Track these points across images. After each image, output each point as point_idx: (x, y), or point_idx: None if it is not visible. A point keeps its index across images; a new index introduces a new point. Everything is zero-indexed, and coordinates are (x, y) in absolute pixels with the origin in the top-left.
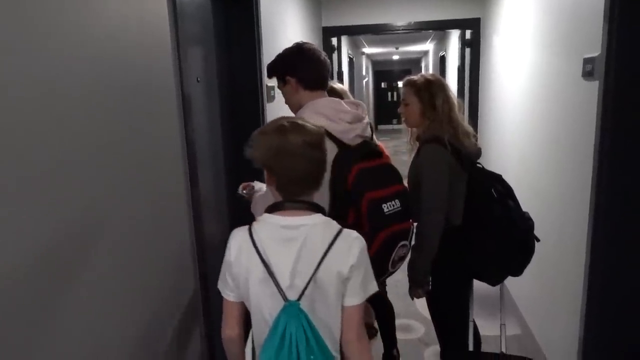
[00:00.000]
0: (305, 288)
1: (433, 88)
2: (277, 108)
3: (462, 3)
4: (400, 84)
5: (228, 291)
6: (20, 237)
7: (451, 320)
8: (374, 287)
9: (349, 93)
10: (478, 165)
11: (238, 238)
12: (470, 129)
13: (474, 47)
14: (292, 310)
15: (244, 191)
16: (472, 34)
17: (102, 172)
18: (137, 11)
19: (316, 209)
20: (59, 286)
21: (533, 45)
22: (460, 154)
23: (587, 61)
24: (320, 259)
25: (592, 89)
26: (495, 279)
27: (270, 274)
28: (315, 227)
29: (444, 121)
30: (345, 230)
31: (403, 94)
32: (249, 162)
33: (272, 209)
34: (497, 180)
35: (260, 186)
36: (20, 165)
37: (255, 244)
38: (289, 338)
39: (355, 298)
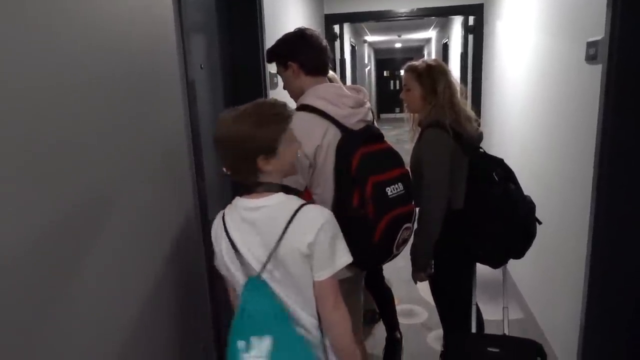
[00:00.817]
0: (265, 264)
1: (434, 73)
2: (281, 95)
3: None
4: (402, 71)
5: (223, 270)
6: (22, 223)
7: (454, 304)
8: (345, 260)
9: (339, 79)
10: (479, 149)
11: (215, 221)
12: (472, 113)
13: (476, 34)
14: (251, 284)
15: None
16: (475, 20)
17: (108, 159)
18: (142, 1)
19: (276, 188)
20: (61, 274)
21: (536, 29)
22: (461, 138)
23: (590, 45)
24: (280, 237)
25: (596, 73)
26: (496, 262)
27: (236, 252)
28: (276, 206)
29: (446, 106)
30: (306, 207)
31: (405, 79)
32: None
33: (241, 191)
34: (498, 164)
35: None
36: (23, 154)
37: (225, 226)
38: (248, 311)
39: (323, 272)
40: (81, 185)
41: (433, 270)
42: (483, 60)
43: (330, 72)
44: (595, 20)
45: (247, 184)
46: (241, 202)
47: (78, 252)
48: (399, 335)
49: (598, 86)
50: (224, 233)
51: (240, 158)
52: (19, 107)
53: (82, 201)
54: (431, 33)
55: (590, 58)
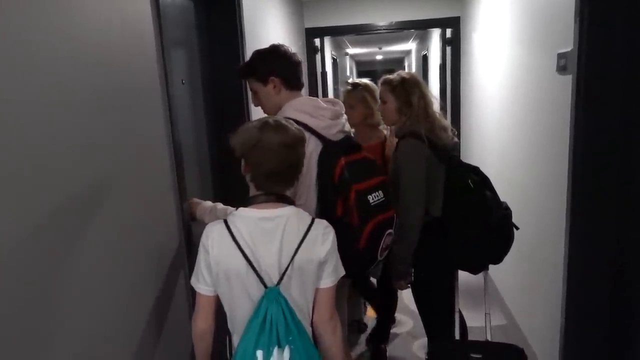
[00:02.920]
0: (284, 274)
1: (408, 85)
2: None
3: (442, 2)
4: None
5: (204, 286)
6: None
7: (436, 311)
8: (342, 271)
9: None
10: (455, 158)
11: (215, 233)
12: (447, 123)
13: (454, 45)
14: (272, 295)
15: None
16: (452, 32)
17: (88, 175)
18: (120, 15)
19: (286, 200)
20: (48, 277)
21: (510, 41)
22: (437, 147)
23: (560, 56)
24: (297, 246)
25: (566, 83)
26: (475, 267)
27: (249, 263)
28: (290, 217)
29: (421, 117)
30: (317, 220)
31: (380, 92)
32: (234, 162)
33: (245, 203)
34: (473, 171)
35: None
36: (2, 165)
37: (234, 238)
38: (269, 321)
39: (329, 280)
40: (59, 198)
41: (413, 278)
42: (461, 71)
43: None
44: (565, 32)
45: (252, 196)
46: (252, 213)
47: (58, 262)
48: (384, 347)
49: (569, 95)
50: (234, 244)
51: (297, 164)
52: None
53: (57, 217)
54: (411, 45)
55: (561, 69)
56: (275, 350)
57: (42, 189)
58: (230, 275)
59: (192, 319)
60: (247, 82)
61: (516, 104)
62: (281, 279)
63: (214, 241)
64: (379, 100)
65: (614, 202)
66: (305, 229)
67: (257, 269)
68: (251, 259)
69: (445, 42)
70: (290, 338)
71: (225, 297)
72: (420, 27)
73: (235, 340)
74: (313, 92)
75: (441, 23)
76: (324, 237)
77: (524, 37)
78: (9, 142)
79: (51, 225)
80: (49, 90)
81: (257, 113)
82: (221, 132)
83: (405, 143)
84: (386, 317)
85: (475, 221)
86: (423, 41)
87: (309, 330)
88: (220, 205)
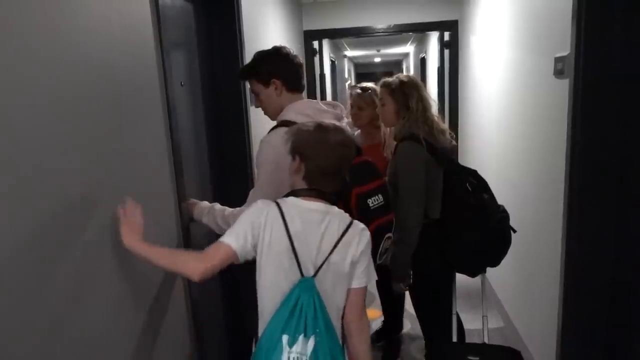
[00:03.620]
0: (320, 267)
1: (406, 88)
2: (261, 112)
3: (441, 5)
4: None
5: (234, 240)
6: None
7: (434, 313)
8: (375, 276)
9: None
10: (453, 160)
11: (269, 210)
12: (445, 126)
13: (452, 48)
14: (306, 284)
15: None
16: (450, 35)
17: (87, 178)
18: (120, 18)
19: (331, 200)
20: (40, 278)
21: (508, 45)
22: (435, 150)
23: (558, 60)
24: (335, 243)
25: (564, 87)
26: (473, 270)
27: (293, 249)
28: (333, 215)
29: (419, 120)
30: (355, 222)
31: (379, 94)
32: (233, 165)
33: (292, 193)
34: (471, 174)
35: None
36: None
37: (285, 220)
38: (299, 309)
39: (361, 280)
40: (57, 199)
41: (412, 280)
42: (459, 74)
43: None
44: (562, 36)
45: (302, 189)
46: (302, 203)
47: (55, 263)
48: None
49: (566, 99)
50: (283, 225)
51: (349, 163)
52: None
53: (58, 219)
54: (409, 48)
55: (558, 72)
56: (301, 337)
57: (40, 190)
58: (272, 253)
59: (190, 264)
60: (249, 84)
61: (514, 107)
62: (317, 272)
63: (268, 215)
64: (378, 103)
65: (611, 205)
66: (344, 228)
67: (299, 255)
68: (295, 244)
69: (443, 45)
70: (317, 330)
71: (264, 274)
72: (419, 30)
73: (261, 325)
74: (312, 94)
75: (439, 26)
76: (360, 238)
77: (522, 41)
78: (6, 144)
79: (49, 225)
80: (47, 92)
81: (256, 115)
82: (220, 133)
83: (404, 146)
84: (393, 320)
85: (473, 224)
86: (421, 44)
87: (337, 328)
88: (217, 206)
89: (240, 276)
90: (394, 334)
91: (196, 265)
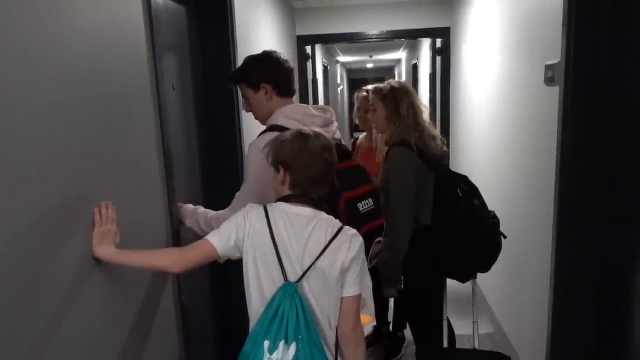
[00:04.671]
0: (305, 273)
1: (397, 94)
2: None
3: (433, 12)
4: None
5: (217, 239)
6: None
7: (425, 318)
8: (369, 282)
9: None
10: (444, 166)
11: (256, 212)
12: (436, 132)
13: (444, 55)
14: (288, 289)
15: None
16: (442, 42)
17: (77, 181)
18: (112, 19)
19: (320, 206)
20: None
21: (499, 52)
22: (426, 156)
23: (548, 68)
24: (323, 249)
25: (554, 94)
26: (463, 275)
27: (277, 253)
28: (320, 220)
29: (410, 125)
30: (346, 227)
31: (371, 100)
32: (225, 168)
33: (282, 199)
34: (462, 180)
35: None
36: None
37: (269, 224)
38: (281, 314)
39: (353, 289)
40: (48, 202)
41: (402, 285)
42: (450, 81)
43: None
44: (553, 44)
45: (289, 195)
46: (287, 207)
47: (46, 265)
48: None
49: (556, 106)
50: (267, 228)
51: (334, 166)
52: None
53: (49, 221)
54: (401, 54)
55: (549, 80)
56: (282, 343)
57: (30, 193)
58: (257, 256)
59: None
60: (239, 88)
61: (504, 114)
62: (301, 277)
63: (252, 217)
64: (370, 108)
65: (600, 211)
66: (333, 233)
67: (283, 260)
68: (279, 248)
69: (435, 51)
70: (300, 337)
71: (250, 278)
72: (411, 37)
73: (250, 328)
74: (304, 99)
75: (431, 33)
76: (350, 244)
77: (513, 48)
78: None
79: (40, 227)
80: (36, 95)
81: (248, 119)
82: (211, 137)
83: (395, 151)
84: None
85: (464, 230)
86: (413, 50)
87: (328, 336)
88: (201, 209)
89: (230, 278)
90: (392, 335)
91: (172, 253)
